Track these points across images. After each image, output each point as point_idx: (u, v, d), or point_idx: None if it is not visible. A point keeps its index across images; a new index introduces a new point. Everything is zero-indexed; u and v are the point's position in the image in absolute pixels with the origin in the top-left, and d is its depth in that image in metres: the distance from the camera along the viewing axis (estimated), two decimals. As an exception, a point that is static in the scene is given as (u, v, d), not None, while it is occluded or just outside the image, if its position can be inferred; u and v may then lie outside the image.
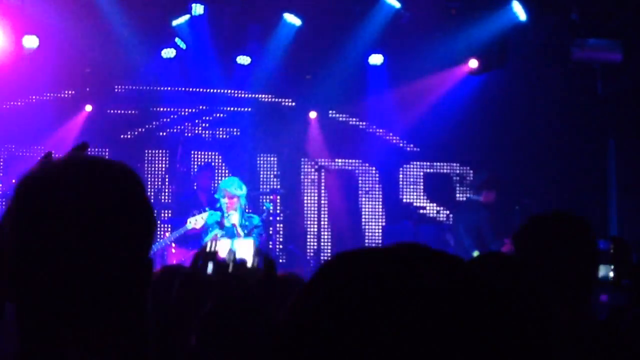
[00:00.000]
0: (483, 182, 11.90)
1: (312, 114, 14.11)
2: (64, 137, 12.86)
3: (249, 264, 2.71)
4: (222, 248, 2.73)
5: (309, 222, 14.04)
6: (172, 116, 14.02)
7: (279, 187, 13.81)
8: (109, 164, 1.85)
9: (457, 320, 1.12)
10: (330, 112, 14.26)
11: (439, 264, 1.18)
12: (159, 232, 12.63)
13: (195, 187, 12.92)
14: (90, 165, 1.84)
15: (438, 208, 14.47)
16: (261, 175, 14.17)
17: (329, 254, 13.92)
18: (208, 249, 2.69)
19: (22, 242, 1.75)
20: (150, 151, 13.95)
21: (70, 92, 13.59)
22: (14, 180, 1.89)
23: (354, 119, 14.41)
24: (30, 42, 12.46)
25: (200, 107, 14.06)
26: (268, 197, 13.15)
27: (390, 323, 1.11)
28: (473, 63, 13.00)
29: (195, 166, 13.71)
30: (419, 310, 1.12)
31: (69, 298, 1.75)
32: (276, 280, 2.73)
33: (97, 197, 1.76)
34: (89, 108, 13.52)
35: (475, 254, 11.40)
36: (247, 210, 11.44)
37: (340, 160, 14.38)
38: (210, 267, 2.68)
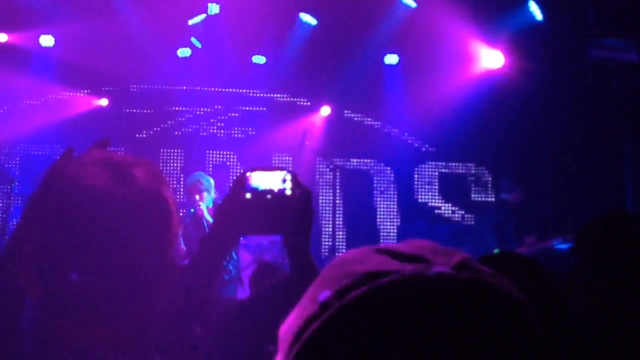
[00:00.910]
0: (514, 182, 11.94)
1: (325, 110, 14.06)
2: (79, 134, 12.91)
3: (287, 193, 2.72)
4: (260, 179, 2.74)
5: (323, 222, 14.04)
6: (187, 115, 14.04)
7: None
8: (133, 162, 1.86)
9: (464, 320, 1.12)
10: (346, 111, 14.25)
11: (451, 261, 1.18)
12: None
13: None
14: (116, 163, 1.85)
15: (453, 208, 14.45)
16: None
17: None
18: (247, 177, 2.72)
19: (46, 238, 1.76)
20: (165, 150, 13.97)
21: (85, 91, 13.63)
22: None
23: (369, 119, 14.40)
24: (47, 41, 12.53)
25: (216, 106, 14.08)
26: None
27: (401, 324, 1.11)
28: (491, 59, 12.93)
29: (211, 165, 13.73)
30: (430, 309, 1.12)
31: (92, 294, 1.76)
32: (312, 209, 2.76)
33: (121, 194, 1.77)
34: (104, 102, 13.57)
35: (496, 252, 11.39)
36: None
37: (355, 160, 14.37)
38: (248, 195, 2.71)
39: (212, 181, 11.16)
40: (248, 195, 2.67)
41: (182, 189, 13.47)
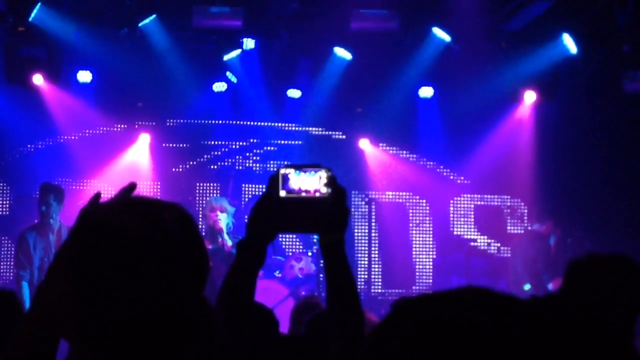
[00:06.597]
0: (544, 213, 11.89)
1: (364, 143, 14.07)
2: (116, 169, 13.05)
3: (322, 191, 2.71)
4: (295, 177, 2.74)
5: (359, 255, 14.01)
6: (223, 149, 14.11)
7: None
8: (163, 206, 1.88)
9: None
10: (381, 144, 14.26)
11: (507, 313, 1.20)
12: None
13: (246, 220, 13.00)
14: (145, 207, 1.87)
15: (489, 241, 14.38)
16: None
17: (380, 287, 13.89)
18: (282, 175, 2.72)
19: (78, 283, 1.79)
20: (201, 184, 14.03)
21: (122, 126, 13.74)
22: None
23: (404, 152, 14.40)
24: (84, 77, 12.66)
25: (251, 140, 14.14)
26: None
27: None
28: (530, 96, 12.88)
29: (246, 199, 13.76)
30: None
31: (125, 337, 1.77)
32: (347, 208, 2.76)
33: (152, 239, 1.79)
34: (145, 137, 13.64)
35: (527, 287, 11.34)
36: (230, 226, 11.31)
37: (390, 193, 14.37)
38: (282, 193, 2.70)
39: (232, 209, 11.16)
40: (283, 193, 2.67)
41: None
